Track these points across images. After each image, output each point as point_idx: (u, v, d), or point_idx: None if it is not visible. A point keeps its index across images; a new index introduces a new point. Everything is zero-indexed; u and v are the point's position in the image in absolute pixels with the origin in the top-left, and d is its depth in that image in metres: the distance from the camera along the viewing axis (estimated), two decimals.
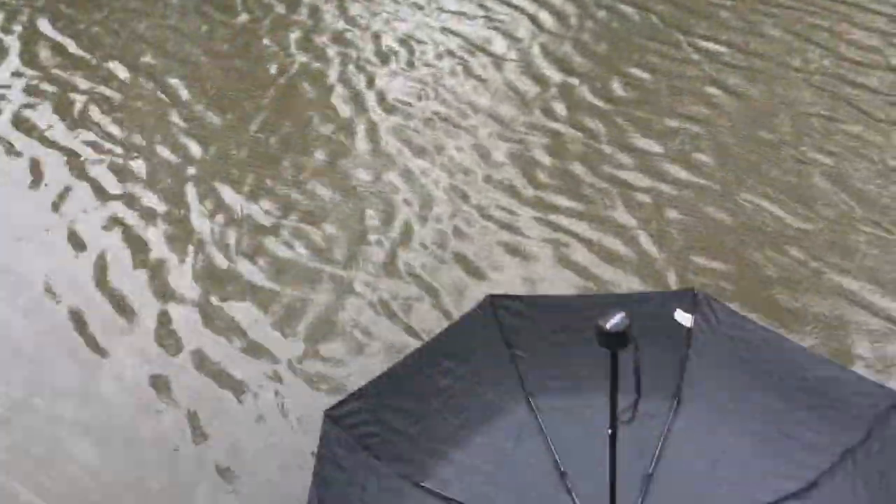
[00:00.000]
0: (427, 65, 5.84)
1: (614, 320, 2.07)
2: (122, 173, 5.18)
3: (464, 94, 5.57)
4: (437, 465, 2.68)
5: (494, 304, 2.92)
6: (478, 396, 2.81)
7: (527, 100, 5.46)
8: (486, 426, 2.76)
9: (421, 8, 6.42)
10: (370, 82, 5.74)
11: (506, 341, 2.86)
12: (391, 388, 2.75)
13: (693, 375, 2.73)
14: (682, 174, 4.79)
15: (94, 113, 5.68)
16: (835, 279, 4.10)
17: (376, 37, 6.16)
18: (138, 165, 5.23)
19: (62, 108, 5.73)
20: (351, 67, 5.89)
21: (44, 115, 5.68)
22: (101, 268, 4.57)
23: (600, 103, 5.36)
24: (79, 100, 5.78)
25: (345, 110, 5.52)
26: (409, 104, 5.53)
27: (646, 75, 5.53)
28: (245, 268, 4.48)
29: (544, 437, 2.73)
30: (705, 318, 2.78)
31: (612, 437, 2.32)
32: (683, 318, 2.30)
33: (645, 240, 4.42)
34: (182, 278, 4.45)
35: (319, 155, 5.18)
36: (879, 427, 2.42)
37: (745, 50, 5.64)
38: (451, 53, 5.92)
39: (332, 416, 2.66)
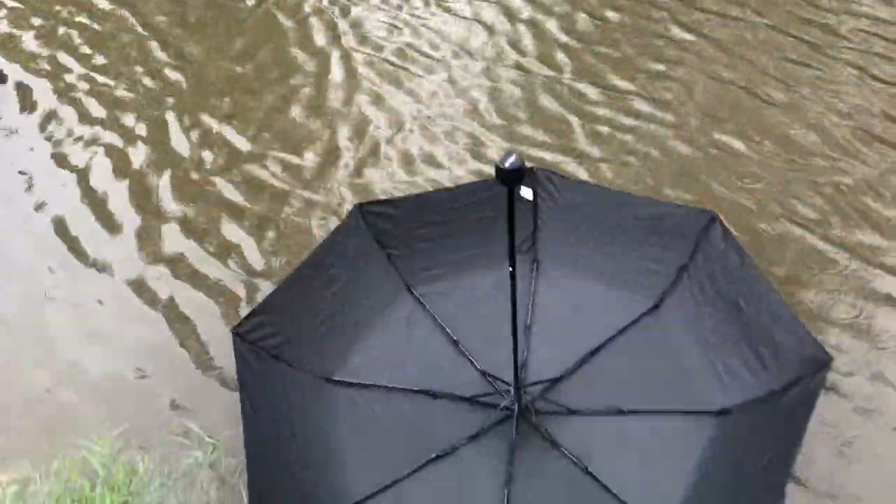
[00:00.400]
0: None
1: (510, 159, 2.21)
2: (104, 99, 5.39)
3: (435, 26, 5.75)
4: (343, 359, 2.93)
5: (363, 210, 3.14)
6: (366, 296, 3.06)
7: (496, 33, 5.65)
8: (379, 319, 3.03)
9: None
10: (345, 13, 5.91)
11: (379, 243, 3.10)
12: (287, 299, 2.94)
13: (545, 240, 3.04)
14: (648, 110, 4.97)
15: (76, 41, 5.86)
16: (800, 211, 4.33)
17: None
18: (120, 92, 5.42)
19: (45, 37, 5.90)
20: (325, 1, 6.06)
21: (29, 44, 5.86)
22: (85, 181, 4.82)
23: (569, 40, 5.55)
24: (61, 30, 5.96)
25: (320, 40, 5.71)
26: (383, 36, 5.71)
27: (614, 14, 5.70)
28: (221, 185, 4.70)
29: (432, 318, 3.01)
30: (547, 191, 3.08)
31: (513, 275, 2.49)
32: (526, 192, 2.46)
33: (606, 169, 4.64)
34: (163, 192, 4.69)
35: (294, 82, 5.38)
36: (702, 242, 2.83)
37: None
38: None
39: (240, 333, 2.85)
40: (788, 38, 5.34)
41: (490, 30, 5.67)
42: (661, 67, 5.23)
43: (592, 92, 5.11)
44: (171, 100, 5.32)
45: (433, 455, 2.68)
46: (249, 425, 2.65)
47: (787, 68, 5.12)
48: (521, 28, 5.66)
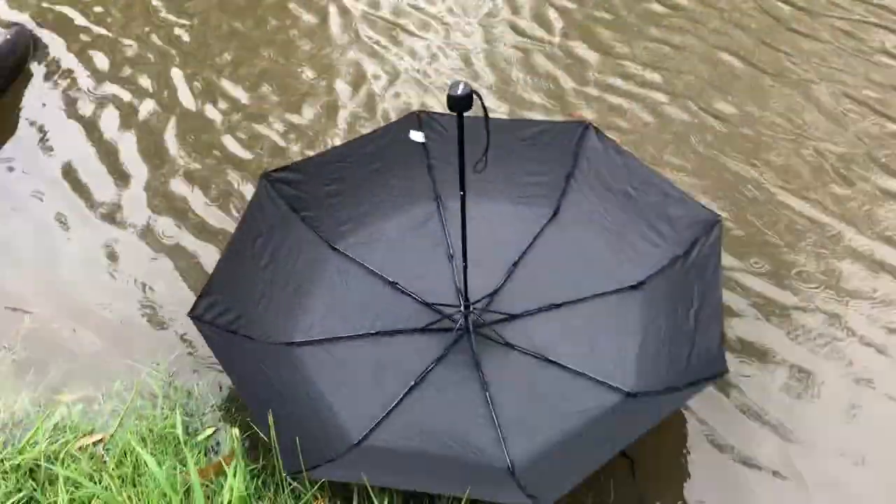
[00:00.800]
0: None
1: (460, 87, 2.44)
2: (112, 54, 5.57)
3: None
4: (295, 322, 3.13)
5: (269, 179, 3.33)
6: (294, 261, 3.25)
7: None
8: (313, 279, 3.23)
9: None
10: None
11: (291, 208, 3.29)
12: (227, 277, 3.08)
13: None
14: (641, 74, 5.11)
15: None
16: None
17: None
18: (128, 49, 5.61)
19: None
20: None
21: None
22: (95, 130, 5.02)
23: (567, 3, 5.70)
24: None
25: None
26: None
27: None
28: (226, 140, 4.91)
29: (363, 267, 3.28)
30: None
31: (463, 198, 2.72)
32: (416, 135, 2.74)
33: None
34: (170, 143, 4.90)
35: (294, 38, 5.55)
36: (581, 148, 3.17)
37: None
38: None
39: (196, 316, 2.99)
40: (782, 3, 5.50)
41: None
42: (656, 32, 5.39)
43: (587, 54, 5.28)
44: (175, 54, 5.50)
45: (410, 384, 2.92)
46: (245, 396, 2.80)
47: (783, 35, 5.29)
48: None
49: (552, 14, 5.57)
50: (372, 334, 3.03)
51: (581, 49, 5.31)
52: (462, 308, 3.01)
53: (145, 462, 2.74)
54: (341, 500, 2.78)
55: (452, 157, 3.04)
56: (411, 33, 5.55)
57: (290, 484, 2.69)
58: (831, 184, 4.34)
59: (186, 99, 5.20)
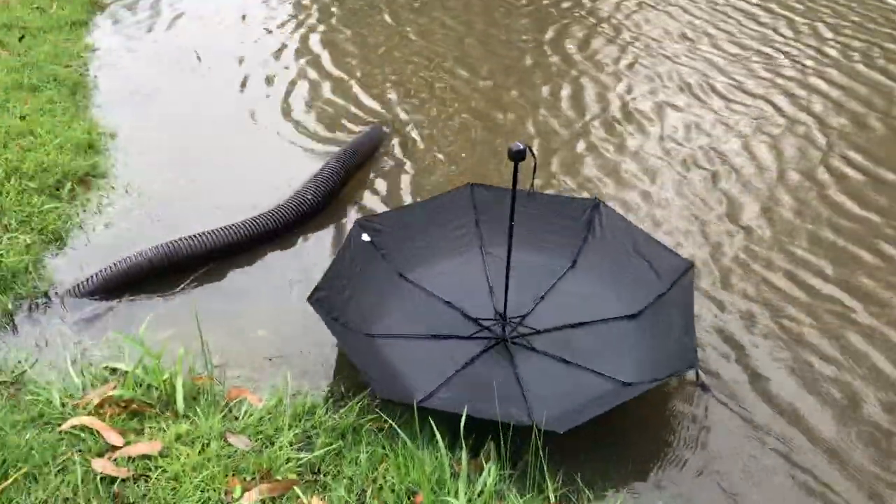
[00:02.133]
0: None
1: (518, 144, 3.33)
2: None
3: None
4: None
5: (360, 223, 4.21)
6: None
7: None
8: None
9: None
10: None
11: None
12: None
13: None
14: None
15: None
16: None
17: None
18: None
19: None
20: None
21: None
22: None
23: None
24: None
25: None
26: None
27: None
28: None
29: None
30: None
31: (510, 229, 3.57)
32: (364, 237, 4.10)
33: None
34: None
35: None
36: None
37: None
38: None
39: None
40: None
41: None
42: None
43: None
44: None
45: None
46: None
47: None
48: None
49: None
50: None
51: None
52: (500, 321, 3.86)
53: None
54: None
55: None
56: None
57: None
58: None
59: None
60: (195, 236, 4.27)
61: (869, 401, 3.64)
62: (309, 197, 4.69)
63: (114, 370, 3.43)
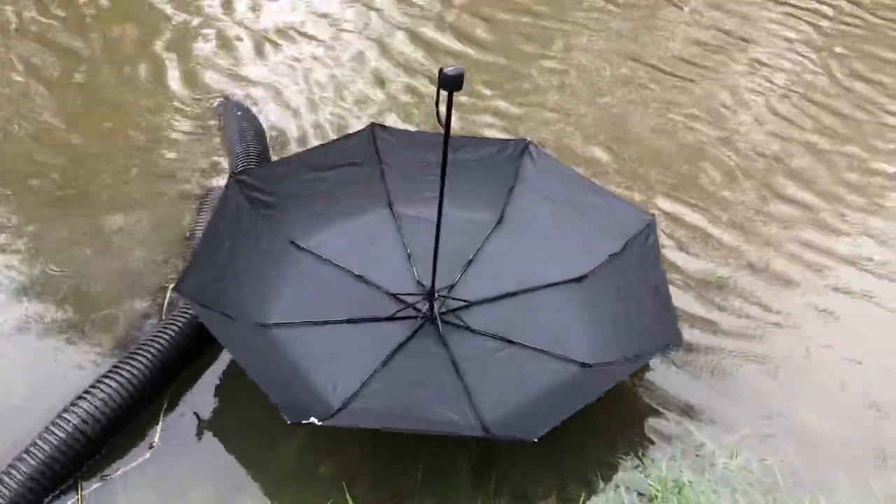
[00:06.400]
0: None
1: (452, 69, 2.57)
2: None
3: None
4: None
5: (237, 179, 3.45)
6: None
7: None
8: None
9: None
10: None
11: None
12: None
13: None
14: None
15: None
16: None
17: None
18: None
19: None
20: None
21: None
22: None
23: None
24: None
25: None
26: None
27: None
28: None
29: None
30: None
31: (443, 180, 2.85)
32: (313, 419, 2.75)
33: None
34: None
35: None
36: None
37: None
38: None
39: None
40: None
41: None
42: None
43: None
44: None
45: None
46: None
47: None
48: None
49: None
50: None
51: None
52: (427, 296, 3.20)
53: None
54: None
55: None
56: None
57: None
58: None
59: None
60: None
61: None
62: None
63: None
